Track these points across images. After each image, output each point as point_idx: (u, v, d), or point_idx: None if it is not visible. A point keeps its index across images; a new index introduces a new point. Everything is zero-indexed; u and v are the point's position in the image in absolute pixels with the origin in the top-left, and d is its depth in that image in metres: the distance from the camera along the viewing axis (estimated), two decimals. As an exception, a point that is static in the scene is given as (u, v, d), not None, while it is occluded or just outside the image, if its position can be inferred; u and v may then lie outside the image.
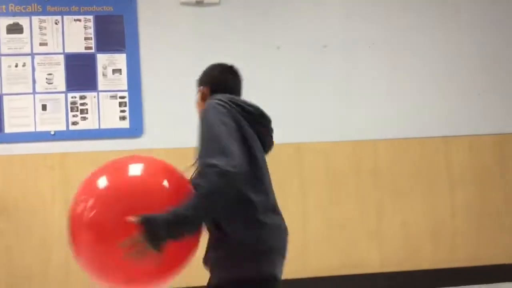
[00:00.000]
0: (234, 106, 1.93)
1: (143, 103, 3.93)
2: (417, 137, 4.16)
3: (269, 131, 2.11)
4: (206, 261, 1.90)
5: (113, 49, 3.90)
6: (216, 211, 1.75)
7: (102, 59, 3.90)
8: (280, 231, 1.94)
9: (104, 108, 3.89)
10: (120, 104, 3.90)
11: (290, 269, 4.01)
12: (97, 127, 3.88)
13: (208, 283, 1.87)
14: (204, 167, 1.73)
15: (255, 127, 1.98)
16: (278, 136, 4.05)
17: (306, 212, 4.04)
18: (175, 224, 1.64)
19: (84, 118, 3.87)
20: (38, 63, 3.84)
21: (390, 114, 4.17)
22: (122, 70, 3.91)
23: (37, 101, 3.84)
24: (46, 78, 3.85)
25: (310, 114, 4.10)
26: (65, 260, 3.79)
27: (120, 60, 3.92)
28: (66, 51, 3.87)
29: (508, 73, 4.31)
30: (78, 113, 3.86)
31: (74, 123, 3.86)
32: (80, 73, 3.88)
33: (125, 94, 3.91)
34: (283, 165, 4.04)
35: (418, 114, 4.19)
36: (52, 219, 3.80)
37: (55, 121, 3.84)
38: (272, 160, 3.99)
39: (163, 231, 1.63)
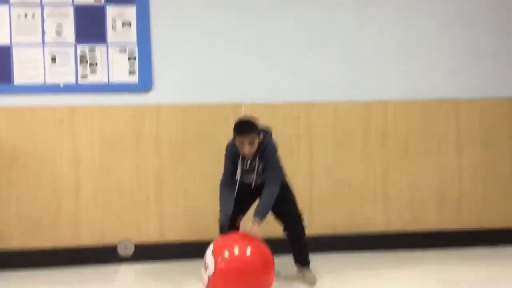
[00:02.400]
0: None
1: (152, 58, 3.89)
2: (428, 99, 4.11)
3: None
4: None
5: (123, 2, 3.84)
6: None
7: (111, 11, 3.85)
8: None
9: (113, 62, 3.86)
10: (129, 58, 3.87)
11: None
12: (106, 81, 3.86)
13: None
14: (279, 175, 3.33)
15: None
16: (288, 95, 4.07)
17: (313, 171, 4.05)
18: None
19: (93, 71, 3.85)
20: (47, 14, 3.80)
21: (401, 74, 4.11)
22: (132, 23, 3.86)
23: (46, 53, 3.81)
24: (56, 30, 3.81)
25: (321, 73, 4.06)
26: (74, 211, 3.86)
27: (129, 13, 3.86)
28: (75, 2, 3.81)
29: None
30: (87, 66, 3.84)
31: (83, 76, 3.85)
32: (89, 25, 3.84)
33: (135, 48, 3.87)
34: (291, 124, 4.03)
35: (430, 75, 4.12)
36: (61, 172, 3.84)
37: (64, 74, 3.83)
38: (281, 119, 4.03)
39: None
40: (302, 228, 3.44)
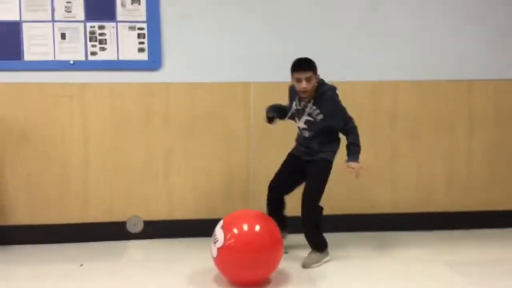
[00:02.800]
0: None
1: (162, 36, 3.88)
2: (439, 79, 4.08)
3: None
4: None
5: (133, -22, 3.82)
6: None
7: (121, -12, 3.83)
8: None
9: (123, 39, 3.84)
10: (139, 35, 3.85)
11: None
12: (115, 58, 3.85)
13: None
14: (353, 125, 3.38)
15: None
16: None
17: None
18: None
19: (102, 49, 3.84)
20: (57, -9, 3.79)
21: (413, 54, 4.07)
22: (141, 1, 3.84)
23: (56, 30, 3.81)
24: (65, 7, 3.80)
25: (332, 50, 4.02)
26: (83, 188, 3.89)
27: (139, -10, 3.84)
28: (85, -21, 3.80)
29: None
30: (97, 43, 3.83)
31: (93, 53, 3.84)
32: (99, 2, 3.82)
33: (144, 25, 3.85)
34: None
35: (442, 56, 4.08)
36: (71, 148, 3.87)
37: (74, 51, 3.83)
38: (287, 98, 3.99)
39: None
40: (314, 209, 3.39)
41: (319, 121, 3.33)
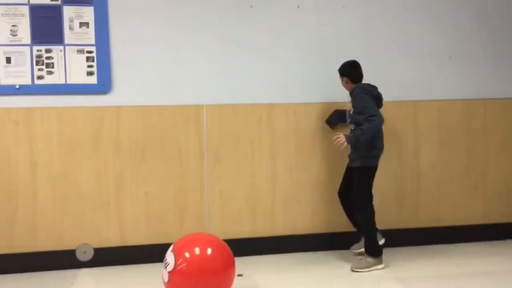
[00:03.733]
0: (369, 92, 3.68)
1: (111, 58, 3.83)
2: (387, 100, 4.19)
3: (381, 106, 3.77)
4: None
5: (80, 1, 3.77)
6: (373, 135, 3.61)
7: (68, 11, 3.77)
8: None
9: (71, 63, 3.78)
10: (88, 59, 3.80)
11: (261, 226, 4.07)
12: (63, 82, 3.78)
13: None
14: (369, 117, 3.54)
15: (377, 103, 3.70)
16: (250, 96, 4.07)
17: (276, 174, 4.06)
18: (358, 142, 3.57)
19: (50, 73, 3.76)
20: (1, 14, 3.69)
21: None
22: (90, 24, 3.79)
23: (1, 54, 3.70)
24: (11, 30, 3.71)
25: (282, 74, 4.08)
26: (31, 216, 3.76)
27: (87, 12, 3.79)
28: (31, 2, 3.72)
29: (479, 40, 4.34)
30: (43, 67, 3.75)
31: (40, 77, 3.75)
32: (46, 25, 3.75)
33: (93, 48, 3.80)
34: (253, 125, 4.03)
35: (388, 78, 4.19)
36: (17, 175, 3.74)
37: (19, 75, 3.73)
38: (243, 121, 4.02)
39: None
40: (360, 216, 3.69)
41: (352, 113, 3.73)
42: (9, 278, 3.63)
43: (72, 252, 3.81)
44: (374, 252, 3.66)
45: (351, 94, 3.74)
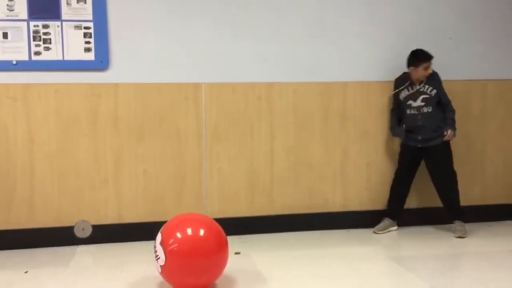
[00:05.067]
0: None
1: (109, 35, 3.79)
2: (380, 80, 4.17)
3: None
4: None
5: (78, -24, 3.73)
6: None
7: (66, -14, 3.73)
8: None
9: (68, 39, 3.74)
10: (85, 35, 3.76)
11: (260, 206, 4.09)
12: (60, 58, 3.75)
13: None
14: (450, 103, 4.05)
15: None
16: (249, 75, 4.05)
17: (274, 153, 4.06)
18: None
19: (47, 49, 3.73)
20: (-2, -11, 3.65)
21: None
22: (88, -1, 3.75)
23: (-3, 29, 3.67)
24: (7, 5, 3.67)
25: (282, 53, 4.04)
26: (29, 192, 3.76)
27: (85, -12, 3.75)
28: (28, -24, 3.67)
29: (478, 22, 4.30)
30: (41, 43, 3.71)
31: (37, 53, 3.72)
32: (43, 1, 3.70)
33: (90, 24, 3.76)
34: (253, 104, 4.01)
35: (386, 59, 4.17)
36: (15, 151, 3.73)
37: (16, 50, 3.70)
38: (241, 101, 4.01)
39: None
40: (455, 189, 4.02)
41: (434, 95, 3.98)
42: (6, 254, 3.65)
43: (70, 229, 3.82)
44: (458, 214, 4.07)
45: (429, 79, 3.98)
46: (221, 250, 2.91)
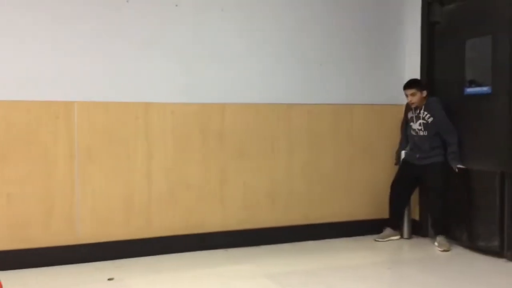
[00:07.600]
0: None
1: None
2: (261, 102, 4.31)
3: None
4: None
5: None
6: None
7: None
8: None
9: None
10: None
11: (137, 228, 3.98)
12: None
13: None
14: (452, 131, 4.28)
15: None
16: (125, 95, 3.95)
17: (152, 173, 3.99)
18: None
19: None
20: None
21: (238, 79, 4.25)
22: None
23: None
24: None
25: (158, 73, 4.02)
26: None
27: None
28: None
29: (344, 47, 4.62)
30: None
31: None
32: None
33: None
34: (130, 124, 3.92)
35: (265, 82, 4.32)
36: None
37: None
38: (118, 121, 3.90)
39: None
40: (441, 202, 4.28)
41: (430, 123, 4.29)
42: None
43: None
44: (444, 231, 4.33)
45: (425, 105, 4.33)
46: None
